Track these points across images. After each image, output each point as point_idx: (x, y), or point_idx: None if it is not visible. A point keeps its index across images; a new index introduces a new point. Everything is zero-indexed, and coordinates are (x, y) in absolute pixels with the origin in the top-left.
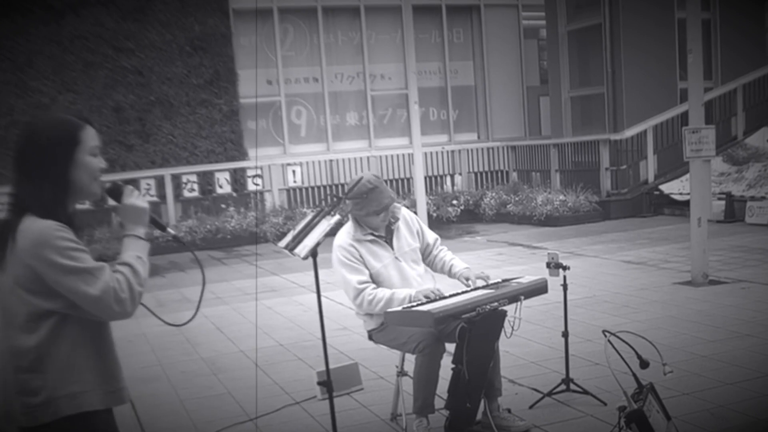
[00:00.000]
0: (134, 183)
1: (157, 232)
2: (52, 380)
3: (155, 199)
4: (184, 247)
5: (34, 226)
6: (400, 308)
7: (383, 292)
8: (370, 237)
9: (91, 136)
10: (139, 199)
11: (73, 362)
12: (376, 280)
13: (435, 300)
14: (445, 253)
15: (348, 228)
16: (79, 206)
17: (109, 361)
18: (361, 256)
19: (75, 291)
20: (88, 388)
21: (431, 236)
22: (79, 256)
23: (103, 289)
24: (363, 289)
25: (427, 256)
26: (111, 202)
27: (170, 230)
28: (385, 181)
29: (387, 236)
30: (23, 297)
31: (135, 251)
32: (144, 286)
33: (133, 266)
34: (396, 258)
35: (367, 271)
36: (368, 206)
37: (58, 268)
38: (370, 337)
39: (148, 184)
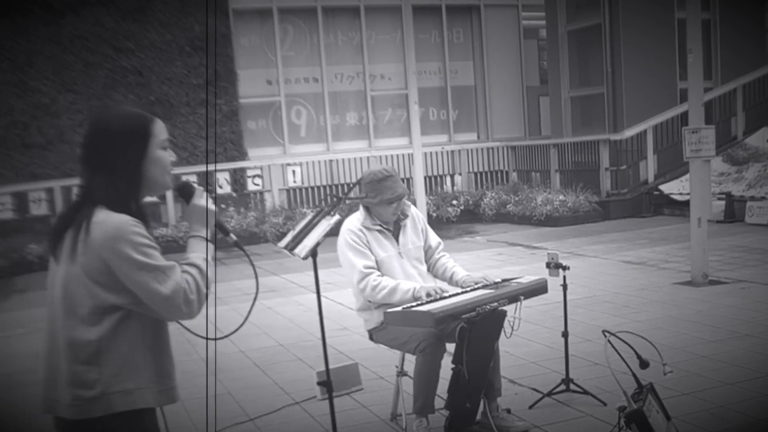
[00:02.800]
0: None
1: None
2: (108, 375)
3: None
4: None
5: (110, 220)
6: (400, 308)
7: (388, 281)
8: (378, 227)
9: (161, 130)
10: (208, 201)
11: (131, 358)
12: (379, 268)
13: (436, 299)
14: (447, 259)
15: (358, 215)
16: None
17: (165, 358)
18: (368, 242)
19: (146, 288)
20: (143, 385)
21: (434, 239)
22: (152, 253)
23: (174, 288)
24: (368, 274)
25: (427, 258)
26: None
27: (232, 236)
28: None
29: (394, 231)
30: (91, 289)
31: (202, 252)
32: (210, 288)
33: (202, 268)
34: (399, 254)
35: (373, 257)
36: (382, 193)
37: (132, 263)
38: (371, 337)
39: None
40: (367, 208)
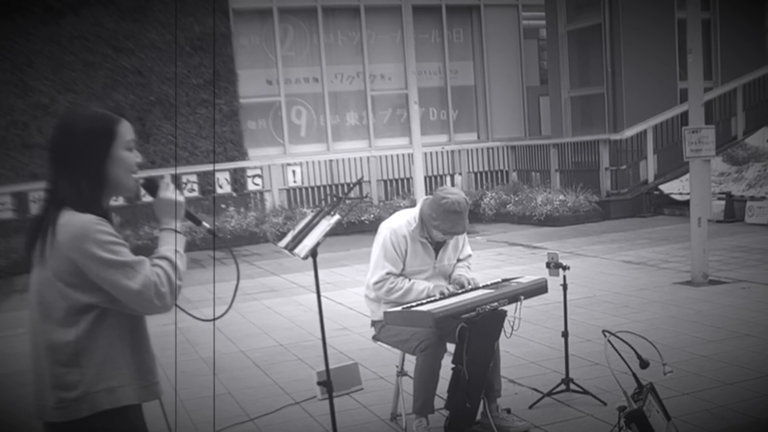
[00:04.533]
0: None
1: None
2: (90, 375)
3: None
4: (218, 241)
5: (75, 220)
6: (399, 308)
7: (403, 282)
8: (424, 240)
9: (126, 130)
10: (174, 192)
11: (111, 356)
12: (407, 277)
13: (436, 299)
14: (464, 261)
15: (410, 218)
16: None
17: (145, 355)
18: (405, 251)
19: (116, 285)
20: (125, 382)
21: (466, 252)
22: (119, 250)
23: (144, 283)
24: (387, 278)
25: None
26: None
27: (205, 224)
28: (386, 181)
29: (436, 245)
30: (63, 291)
31: (173, 245)
32: (182, 279)
33: (172, 260)
34: (434, 268)
35: (401, 266)
36: (443, 222)
37: (99, 261)
38: (372, 325)
39: None
40: (423, 219)
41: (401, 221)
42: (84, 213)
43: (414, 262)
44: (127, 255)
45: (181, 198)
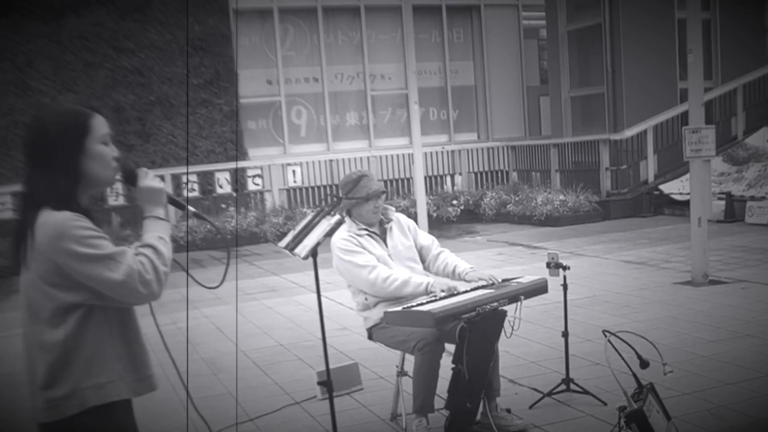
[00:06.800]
0: None
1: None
2: (78, 372)
3: None
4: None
5: (51, 219)
6: (400, 308)
7: (399, 273)
8: (366, 232)
9: (100, 125)
10: (154, 180)
11: (100, 352)
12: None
13: (437, 299)
14: (447, 254)
15: (343, 227)
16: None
17: (137, 348)
18: (361, 244)
19: (99, 278)
20: (115, 377)
21: (426, 239)
22: (99, 243)
23: (127, 272)
24: (376, 266)
25: (424, 258)
26: (127, 185)
27: (190, 208)
28: (386, 181)
29: (381, 235)
30: (48, 292)
31: (156, 232)
32: (169, 266)
33: (156, 247)
34: (389, 255)
35: (371, 255)
36: (358, 192)
37: (79, 257)
38: (370, 336)
39: None
40: (349, 215)
41: (340, 232)
42: (61, 211)
43: (373, 251)
44: (107, 247)
45: (161, 184)
